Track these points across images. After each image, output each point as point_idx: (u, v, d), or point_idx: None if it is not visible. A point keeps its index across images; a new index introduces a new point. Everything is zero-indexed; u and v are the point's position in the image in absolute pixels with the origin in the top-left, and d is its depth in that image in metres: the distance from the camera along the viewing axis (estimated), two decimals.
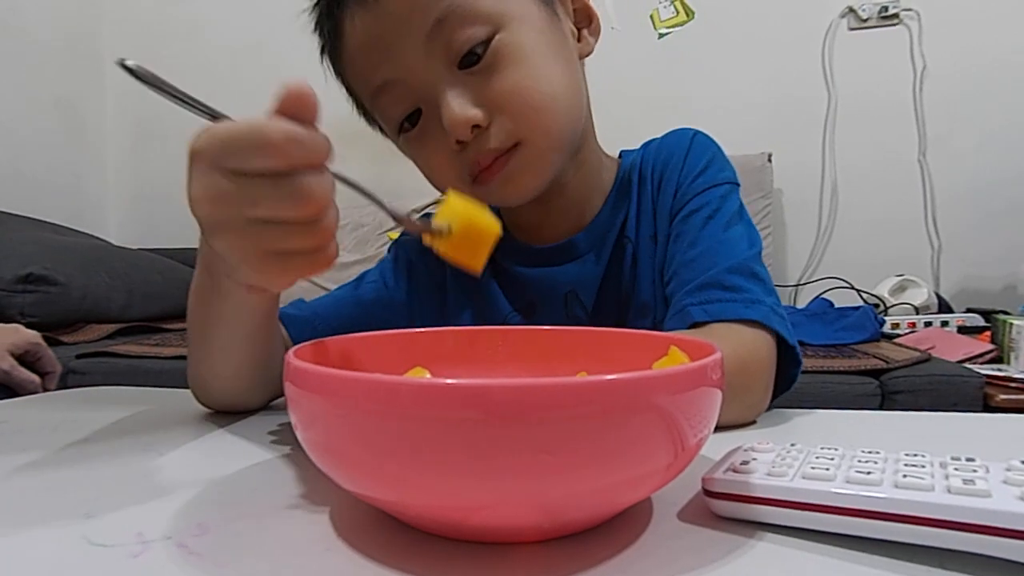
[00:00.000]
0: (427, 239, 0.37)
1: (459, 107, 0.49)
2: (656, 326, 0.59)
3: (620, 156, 0.65)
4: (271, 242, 0.32)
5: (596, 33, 0.59)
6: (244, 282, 0.38)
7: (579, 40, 0.57)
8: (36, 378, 0.80)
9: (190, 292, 0.47)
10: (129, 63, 0.30)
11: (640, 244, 0.60)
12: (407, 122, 0.54)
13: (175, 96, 0.31)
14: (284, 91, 0.30)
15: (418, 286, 0.64)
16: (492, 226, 0.37)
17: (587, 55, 0.58)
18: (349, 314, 0.60)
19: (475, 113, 0.50)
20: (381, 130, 0.60)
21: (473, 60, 0.50)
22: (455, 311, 0.63)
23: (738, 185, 0.60)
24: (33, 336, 0.83)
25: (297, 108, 0.30)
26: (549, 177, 0.55)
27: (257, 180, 0.30)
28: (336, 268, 0.64)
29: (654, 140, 0.63)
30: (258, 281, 0.36)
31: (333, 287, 0.66)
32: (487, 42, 0.50)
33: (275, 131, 0.29)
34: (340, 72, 0.57)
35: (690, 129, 0.62)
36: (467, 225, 0.37)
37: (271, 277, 0.35)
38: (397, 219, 0.37)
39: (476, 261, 0.38)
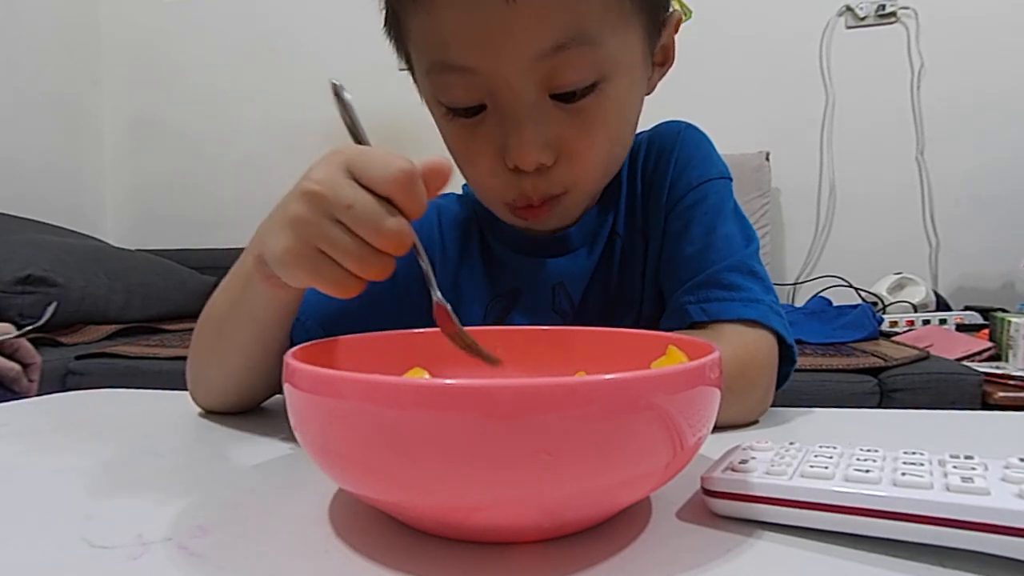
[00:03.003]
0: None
1: (536, 147, 0.47)
2: (641, 321, 0.59)
3: None
4: (340, 246, 0.34)
5: (664, 74, 0.57)
6: (280, 277, 0.39)
7: (649, 78, 0.55)
8: (15, 365, 0.79)
9: (216, 294, 0.48)
10: (337, 83, 0.37)
11: (629, 239, 0.60)
12: (463, 109, 0.50)
13: (351, 123, 0.37)
14: (431, 163, 0.34)
15: (405, 265, 0.63)
16: None
17: (648, 94, 0.56)
18: (332, 306, 0.59)
19: (546, 156, 0.48)
20: (407, 61, 0.54)
21: (568, 97, 0.47)
22: (442, 293, 0.63)
23: (730, 179, 0.59)
24: (6, 327, 0.82)
25: (430, 179, 0.34)
26: (578, 217, 0.57)
27: (369, 194, 0.33)
28: None
29: (643, 133, 0.62)
30: (294, 278, 0.36)
31: None
32: (590, 87, 0.47)
33: (408, 167, 0.33)
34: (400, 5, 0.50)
35: (680, 122, 0.61)
36: None
37: (311, 275, 0.36)
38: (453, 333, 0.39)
39: None
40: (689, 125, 0.61)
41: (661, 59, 0.55)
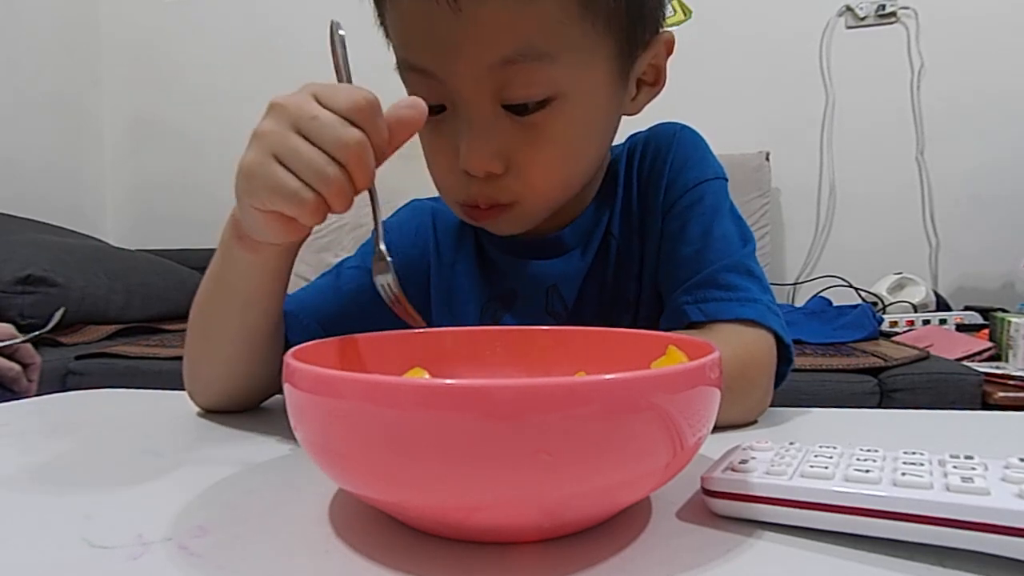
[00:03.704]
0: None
1: (483, 155, 0.48)
2: (638, 322, 0.59)
3: None
4: (301, 155, 0.35)
5: (654, 95, 0.56)
6: (251, 235, 0.41)
7: (633, 98, 0.54)
8: (15, 365, 0.80)
9: (201, 284, 0.49)
10: (335, 22, 0.39)
11: (624, 241, 0.60)
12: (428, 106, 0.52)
13: (339, 63, 0.40)
14: (401, 108, 0.37)
15: (401, 269, 0.63)
16: None
17: (633, 115, 0.55)
18: (332, 306, 0.59)
19: (495, 165, 0.49)
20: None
21: (520, 109, 0.47)
22: (437, 295, 0.63)
23: (726, 180, 0.59)
24: (6, 327, 0.82)
25: (397, 125, 0.36)
26: (534, 225, 0.55)
27: (330, 113, 0.35)
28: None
29: (639, 134, 0.62)
30: (256, 196, 0.37)
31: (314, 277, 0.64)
32: (543, 102, 0.47)
33: (371, 97, 0.35)
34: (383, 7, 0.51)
35: (675, 124, 0.61)
36: None
37: (270, 189, 0.36)
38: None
39: None
40: (684, 126, 0.61)
41: (652, 79, 0.55)
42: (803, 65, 2.11)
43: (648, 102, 0.56)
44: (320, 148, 0.35)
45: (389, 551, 0.26)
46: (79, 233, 2.26)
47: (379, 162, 0.36)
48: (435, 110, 0.49)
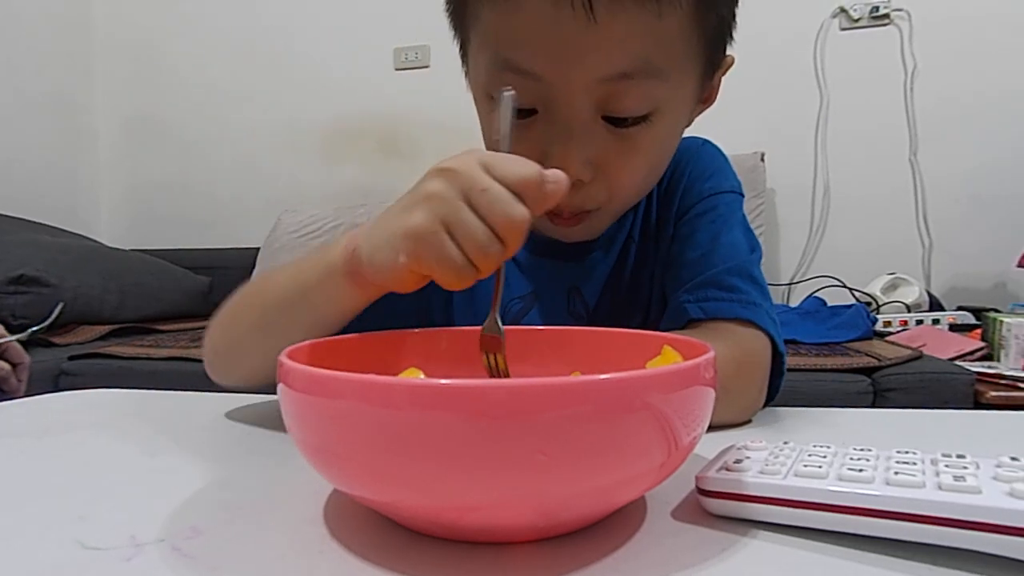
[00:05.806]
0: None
1: (578, 163, 0.48)
2: (647, 324, 0.59)
3: None
4: (469, 227, 0.34)
5: (703, 110, 0.57)
6: (377, 280, 0.40)
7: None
8: (5, 365, 0.79)
9: (278, 276, 0.48)
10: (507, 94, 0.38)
11: (642, 245, 0.61)
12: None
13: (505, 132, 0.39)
14: (550, 177, 0.35)
15: None
16: None
17: (686, 127, 0.56)
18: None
19: (586, 173, 0.48)
20: (462, 43, 0.53)
21: (619, 121, 0.48)
22: (460, 295, 0.62)
23: (742, 195, 0.60)
24: None
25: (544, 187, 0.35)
26: (601, 232, 0.57)
27: (500, 186, 0.34)
28: None
29: None
30: (417, 258, 0.36)
31: None
32: (643, 116, 0.47)
33: (540, 169, 0.34)
34: None
35: (699, 138, 0.63)
36: None
37: (437, 256, 0.35)
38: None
39: None
40: (708, 141, 0.63)
41: (705, 96, 0.56)
42: (797, 66, 2.12)
43: (698, 116, 0.57)
44: (486, 221, 0.34)
45: (383, 551, 0.26)
46: (73, 233, 2.25)
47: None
48: (524, 113, 0.49)
